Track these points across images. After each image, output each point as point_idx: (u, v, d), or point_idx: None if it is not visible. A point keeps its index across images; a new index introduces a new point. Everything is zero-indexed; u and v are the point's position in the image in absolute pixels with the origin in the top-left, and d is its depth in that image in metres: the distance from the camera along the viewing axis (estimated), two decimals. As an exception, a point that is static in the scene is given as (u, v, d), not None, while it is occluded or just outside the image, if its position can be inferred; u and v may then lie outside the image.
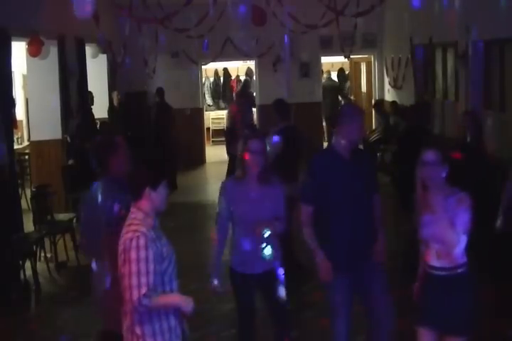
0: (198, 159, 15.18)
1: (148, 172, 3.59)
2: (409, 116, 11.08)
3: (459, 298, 4.02)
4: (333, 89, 16.61)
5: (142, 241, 3.35)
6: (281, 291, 4.66)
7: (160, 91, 12.90)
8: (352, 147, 4.62)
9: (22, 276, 7.38)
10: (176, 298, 3.50)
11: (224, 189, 4.70)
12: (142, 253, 3.33)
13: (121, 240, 3.46)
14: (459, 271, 4.04)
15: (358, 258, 4.60)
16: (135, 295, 3.32)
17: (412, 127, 10.23)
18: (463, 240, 3.97)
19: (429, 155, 4.04)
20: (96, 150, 4.55)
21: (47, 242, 8.15)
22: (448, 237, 3.93)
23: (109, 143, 4.52)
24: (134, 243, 3.35)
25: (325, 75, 16.90)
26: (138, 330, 3.47)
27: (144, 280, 3.32)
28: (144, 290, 3.31)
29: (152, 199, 3.52)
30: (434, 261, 4.07)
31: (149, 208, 3.53)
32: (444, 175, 4.02)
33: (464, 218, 3.94)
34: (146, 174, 3.58)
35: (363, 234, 4.60)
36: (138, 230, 3.40)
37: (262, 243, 4.54)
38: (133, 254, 3.33)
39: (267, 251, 4.55)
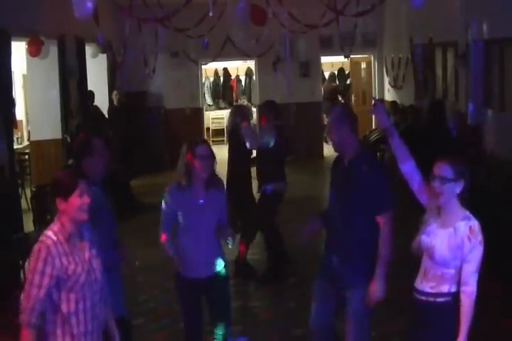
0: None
1: (57, 181, 3.45)
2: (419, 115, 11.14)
3: (433, 334, 3.66)
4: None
5: (43, 254, 3.34)
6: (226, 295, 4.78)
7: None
8: (350, 153, 4.35)
9: (22, 276, 7.37)
10: None
11: (168, 196, 4.61)
12: (40, 265, 3.33)
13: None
14: (439, 300, 3.67)
15: (334, 275, 4.42)
16: (23, 304, 3.37)
17: (411, 127, 10.26)
18: (464, 269, 3.61)
19: (441, 169, 3.64)
20: (73, 152, 4.62)
21: (47, 242, 8.14)
22: (442, 257, 3.63)
23: (85, 145, 4.54)
24: (35, 254, 3.36)
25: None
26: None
27: (33, 292, 3.33)
28: (30, 303, 3.34)
29: (64, 209, 3.41)
30: (418, 281, 3.79)
31: (64, 219, 3.43)
32: (457, 190, 3.63)
33: (476, 256, 3.59)
34: (56, 184, 3.45)
35: (338, 250, 4.38)
36: (43, 241, 3.38)
37: (211, 247, 4.62)
38: (32, 264, 3.36)
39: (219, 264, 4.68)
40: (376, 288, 4.23)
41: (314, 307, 4.59)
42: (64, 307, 3.43)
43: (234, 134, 7.62)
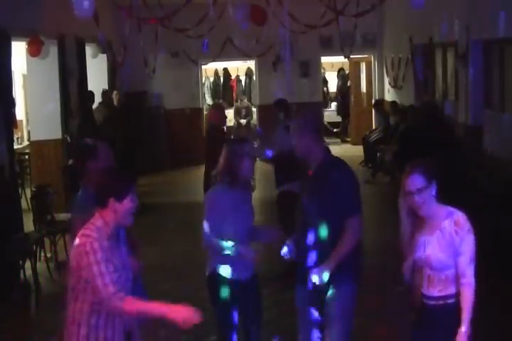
0: (198, 159, 15.15)
1: (115, 182, 3.46)
2: (412, 115, 11.13)
3: (442, 334, 3.64)
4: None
5: (96, 245, 3.31)
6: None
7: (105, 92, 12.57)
8: (315, 160, 4.32)
9: (22, 276, 7.38)
10: (174, 310, 3.41)
11: (214, 200, 4.51)
12: (98, 256, 3.29)
13: (74, 244, 3.39)
14: (450, 301, 3.65)
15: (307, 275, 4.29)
16: (105, 295, 3.29)
17: (411, 127, 10.24)
18: (459, 262, 3.60)
19: (414, 182, 3.56)
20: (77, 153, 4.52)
21: (47, 242, 8.14)
22: (439, 261, 3.61)
23: (91, 148, 4.51)
24: (88, 247, 3.30)
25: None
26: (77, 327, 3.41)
27: (107, 279, 3.29)
28: (111, 289, 3.28)
29: (116, 210, 3.41)
30: (424, 287, 3.73)
31: (111, 218, 3.42)
32: (434, 193, 3.59)
33: (467, 246, 3.58)
34: (113, 184, 3.45)
35: (318, 254, 4.27)
36: (90, 235, 3.34)
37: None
38: (91, 257, 3.29)
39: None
40: (318, 275, 4.15)
41: (300, 322, 4.48)
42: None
43: (211, 135, 7.69)
